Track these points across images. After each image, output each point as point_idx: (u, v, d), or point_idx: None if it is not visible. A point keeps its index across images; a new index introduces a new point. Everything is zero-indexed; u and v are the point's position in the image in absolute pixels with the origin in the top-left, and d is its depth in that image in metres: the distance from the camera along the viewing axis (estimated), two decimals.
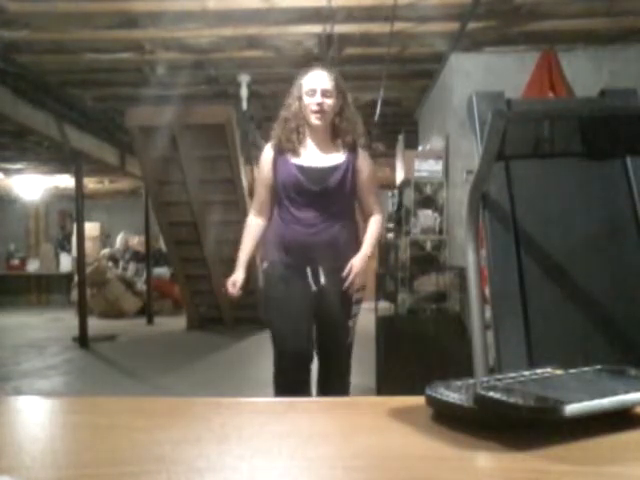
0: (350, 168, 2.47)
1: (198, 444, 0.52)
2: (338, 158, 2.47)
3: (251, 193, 6.74)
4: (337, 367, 2.58)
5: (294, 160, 2.46)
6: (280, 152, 2.49)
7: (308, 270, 2.45)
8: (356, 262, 2.44)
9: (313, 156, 2.48)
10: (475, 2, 3.72)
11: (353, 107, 2.54)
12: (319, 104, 2.41)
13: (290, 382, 2.42)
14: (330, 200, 2.44)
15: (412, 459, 0.49)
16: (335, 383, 2.51)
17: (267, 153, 2.53)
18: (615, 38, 4.45)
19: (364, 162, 2.52)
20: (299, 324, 2.46)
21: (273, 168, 2.49)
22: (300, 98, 2.45)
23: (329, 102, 2.42)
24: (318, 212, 2.43)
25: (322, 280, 2.45)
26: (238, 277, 2.57)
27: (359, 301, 2.53)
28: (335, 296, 2.46)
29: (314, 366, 2.56)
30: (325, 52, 4.46)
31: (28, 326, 8.46)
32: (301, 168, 2.44)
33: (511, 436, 0.51)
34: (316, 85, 2.42)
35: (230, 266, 8.08)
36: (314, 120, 2.42)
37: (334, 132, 2.49)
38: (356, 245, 2.53)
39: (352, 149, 2.49)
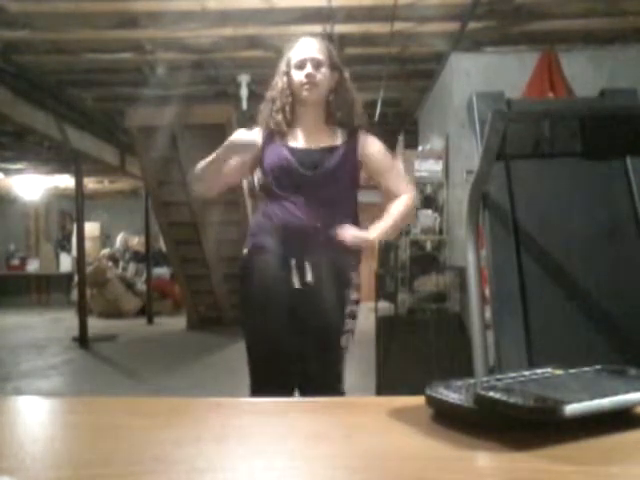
0: (350, 155, 2.11)
1: (198, 444, 0.52)
2: (335, 140, 2.12)
3: (251, 192, 6.78)
4: (325, 389, 2.09)
5: (284, 143, 2.11)
6: (269, 138, 2.14)
7: (292, 262, 2.05)
8: (368, 233, 2.03)
9: (305, 138, 2.13)
10: (475, 2, 3.72)
11: (351, 84, 2.18)
12: (309, 75, 2.06)
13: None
14: (325, 188, 2.07)
15: (412, 459, 0.49)
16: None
17: (254, 134, 2.16)
18: (615, 38, 4.46)
19: (370, 145, 2.14)
20: (278, 333, 2.09)
21: (258, 153, 2.14)
22: (287, 73, 2.11)
23: (321, 75, 2.07)
24: (312, 201, 2.06)
25: (309, 277, 2.04)
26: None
27: (353, 315, 2.10)
28: (324, 304, 2.04)
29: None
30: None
31: (28, 326, 8.47)
32: (292, 150, 2.09)
33: (511, 436, 0.51)
34: (305, 55, 2.09)
35: (230, 266, 8.01)
36: (304, 92, 2.07)
37: (328, 111, 2.14)
38: (355, 254, 2.11)
39: (351, 132, 2.14)
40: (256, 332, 2.17)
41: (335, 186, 2.10)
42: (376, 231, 2.06)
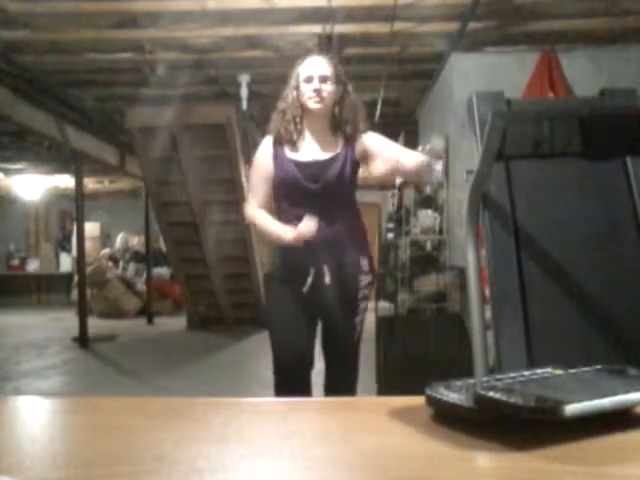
0: (349, 160, 2.33)
1: (198, 444, 0.52)
2: (337, 148, 2.34)
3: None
4: (345, 370, 2.43)
5: (291, 156, 2.34)
6: (279, 146, 2.36)
7: (312, 270, 2.30)
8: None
9: (311, 150, 2.36)
10: (475, 2, 3.72)
11: (355, 97, 2.40)
12: (316, 90, 2.28)
13: (291, 390, 2.30)
14: (329, 196, 2.31)
15: (412, 459, 0.49)
16: (343, 387, 2.36)
17: (266, 147, 2.40)
18: (615, 38, 4.46)
19: (369, 137, 2.36)
20: (300, 331, 2.33)
21: (274, 163, 2.36)
22: (297, 87, 2.33)
23: (328, 88, 2.29)
24: (318, 209, 2.26)
25: (327, 280, 2.30)
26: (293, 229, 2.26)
27: (365, 297, 2.38)
28: (340, 295, 2.32)
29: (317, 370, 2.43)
30: (325, 52, 4.47)
31: (28, 326, 8.47)
32: (298, 164, 2.32)
33: (511, 436, 0.51)
34: (313, 72, 2.30)
35: (230, 266, 7.97)
36: (311, 104, 2.29)
37: (334, 123, 2.36)
38: (361, 242, 2.40)
39: (352, 140, 2.35)
40: (282, 338, 2.39)
41: (338, 193, 2.35)
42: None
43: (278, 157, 2.36)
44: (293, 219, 2.29)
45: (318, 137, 2.37)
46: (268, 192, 2.41)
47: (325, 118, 2.36)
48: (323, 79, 2.30)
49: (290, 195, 2.34)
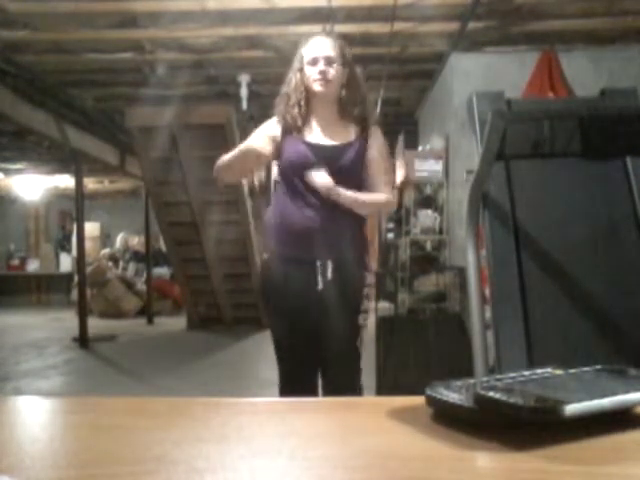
0: (362, 151, 2.21)
1: (198, 444, 0.52)
2: (349, 136, 2.21)
3: (251, 192, 6.77)
4: (347, 372, 2.27)
5: (301, 137, 2.20)
6: (286, 130, 2.23)
7: (318, 264, 2.16)
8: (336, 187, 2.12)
9: (321, 133, 2.23)
10: (475, 2, 3.72)
11: (362, 80, 2.29)
12: (322, 72, 2.15)
13: (299, 393, 2.17)
14: (341, 183, 2.14)
15: (412, 459, 0.49)
16: (344, 387, 2.21)
17: (272, 125, 2.26)
18: (615, 38, 4.46)
19: (375, 138, 2.25)
20: (304, 330, 2.21)
21: (277, 145, 2.22)
22: (301, 70, 2.20)
23: (333, 70, 2.17)
24: (327, 199, 2.15)
25: (329, 274, 2.16)
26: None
27: (367, 296, 2.27)
28: (344, 292, 2.19)
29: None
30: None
31: (28, 326, 8.46)
32: (311, 146, 2.18)
33: (511, 436, 0.51)
34: (318, 53, 2.17)
35: (230, 266, 7.94)
36: (317, 87, 2.16)
37: (341, 106, 2.23)
38: (364, 239, 2.28)
39: (363, 126, 2.23)
40: (282, 331, 2.28)
41: (349, 182, 2.18)
42: (345, 191, 2.14)
43: (287, 141, 2.21)
44: (302, 203, 2.16)
45: (326, 123, 2.24)
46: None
47: (332, 102, 2.23)
48: (329, 61, 2.17)
49: (298, 179, 2.17)
